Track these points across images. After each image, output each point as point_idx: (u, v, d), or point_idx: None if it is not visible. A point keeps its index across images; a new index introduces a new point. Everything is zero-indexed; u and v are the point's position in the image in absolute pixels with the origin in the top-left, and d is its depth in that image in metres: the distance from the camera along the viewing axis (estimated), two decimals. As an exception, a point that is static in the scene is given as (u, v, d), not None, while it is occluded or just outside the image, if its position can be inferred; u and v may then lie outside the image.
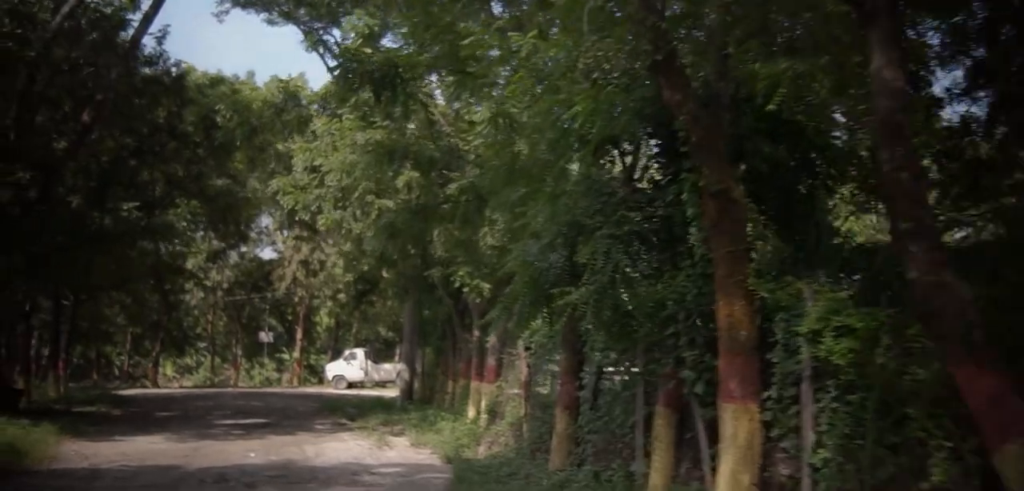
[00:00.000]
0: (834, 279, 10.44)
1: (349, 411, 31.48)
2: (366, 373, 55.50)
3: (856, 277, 10.91)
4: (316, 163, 20.16)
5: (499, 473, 16.77)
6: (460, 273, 20.71)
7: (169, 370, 76.55)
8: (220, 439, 22.74)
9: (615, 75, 11.28)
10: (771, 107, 9.13)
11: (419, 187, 19.01)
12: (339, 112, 20.25)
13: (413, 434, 23.64)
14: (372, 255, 26.38)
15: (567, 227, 11.89)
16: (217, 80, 32.58)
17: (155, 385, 59.03)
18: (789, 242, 11.93)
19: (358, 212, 21.24)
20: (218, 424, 27.10)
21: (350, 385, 54.77)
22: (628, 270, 10.95)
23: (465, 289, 21.56)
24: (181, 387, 60.62)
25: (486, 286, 20.92)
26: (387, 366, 57.88)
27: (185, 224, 26.22)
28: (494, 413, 21.21)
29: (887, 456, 8.66)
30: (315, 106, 21.67)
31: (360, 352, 56.65)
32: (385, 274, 33.18)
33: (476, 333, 24.49)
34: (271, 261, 62.80)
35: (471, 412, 24.07)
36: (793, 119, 11.22)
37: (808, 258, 11.09)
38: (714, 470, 10.43)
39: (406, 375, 32.92)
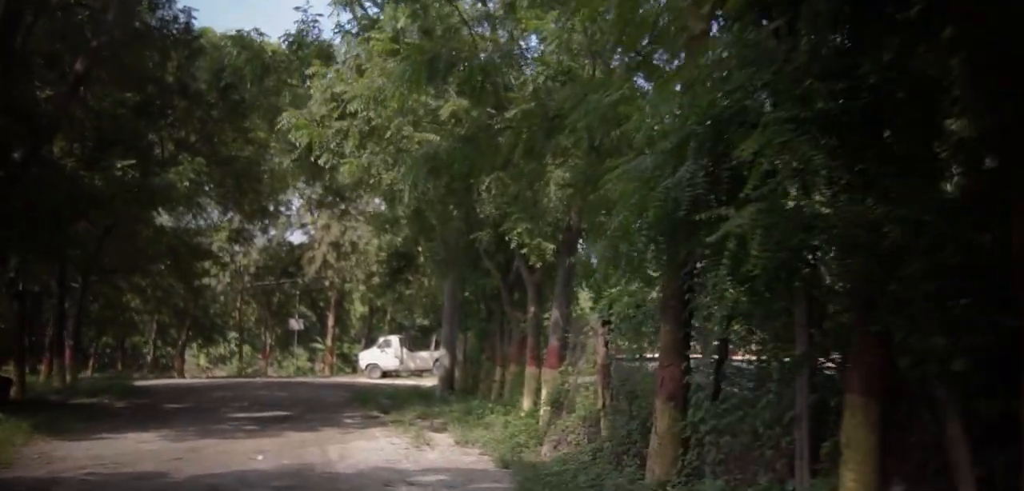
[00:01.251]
0: None
1: (382, 402, 27.45)
2: (401, 361, 51.65)
3: None
4: (337, 90, 15.98)
5: (576, 483, 12.58)
6: (517, 231, 16.41)
7: (203, 360, 73.54)
8: (227, 437, 18.72)
9: None
10: None
11: (467, 116, 14.76)
12: (367, 34, 15.98)
13: (458, 430, 19.52)
14: (407, 215, 22.22)
15: (707, 122, 7.53)
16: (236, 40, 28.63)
17: (181, 375, 55.53)
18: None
19: (389, 158, 16.98)
20: (231, 418, 23.13)
21: (384, 374, 51.03)
22: (822, 174, 6.61)
23: (523, 250, 17.28)
24: (210, 377, 56.93)
25: (549, 246, 16.59)
26: (423, 354, 54.12)
27: (188, 184, 22.10)
28: (558, 404, 16.94)
29: None
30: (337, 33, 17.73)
31: (395, 339, 52.74)
32: (421, 248, 29.05)
33: (531, 309, 20.21)
34: (301, 245, 58.99)
35: (526, 403, 19.85)
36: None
37: None
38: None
39: (446, 362, 28.73)
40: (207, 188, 27.70)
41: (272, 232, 58.13)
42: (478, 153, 12.18)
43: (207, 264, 49.32)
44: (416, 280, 36.90)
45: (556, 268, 20.02)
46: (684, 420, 11.21)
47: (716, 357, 10.81)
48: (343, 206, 43.53)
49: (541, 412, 17.95)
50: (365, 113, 15.26)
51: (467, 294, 28.48)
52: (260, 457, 15.54)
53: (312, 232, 57.04)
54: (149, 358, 61.27)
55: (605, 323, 14.71)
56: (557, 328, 17.96)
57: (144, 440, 17.69)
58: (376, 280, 50.72)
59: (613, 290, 14.35)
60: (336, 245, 52.87)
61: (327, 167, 17.07)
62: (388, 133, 15.48)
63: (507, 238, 17.01)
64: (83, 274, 34.34)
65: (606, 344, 14.66)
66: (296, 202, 57.28)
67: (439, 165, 13.52)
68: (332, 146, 16.82)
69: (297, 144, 17.16)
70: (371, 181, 17.70)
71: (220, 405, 27.05)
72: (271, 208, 37.72)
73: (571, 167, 15.02)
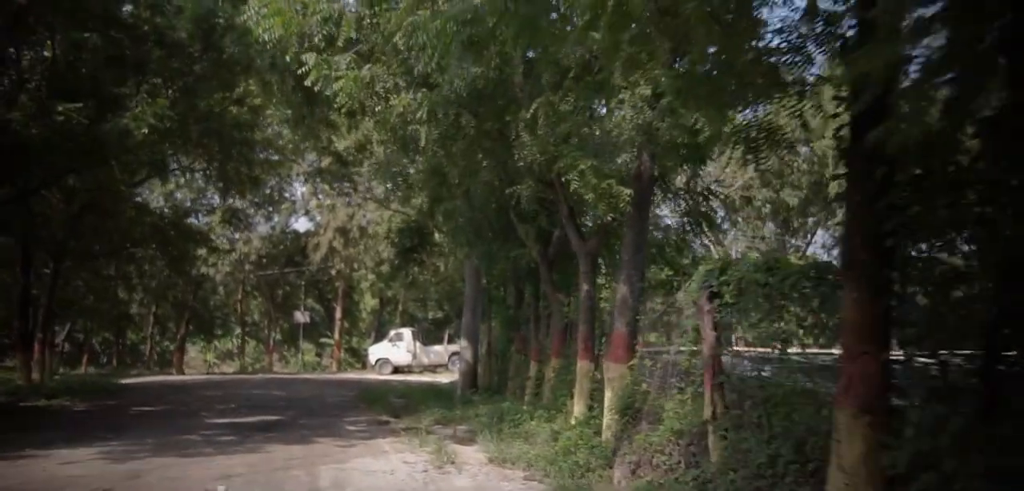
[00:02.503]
0: None
1: (393, 403, 22.91)
2: (414, 356, 47.30)
3: None
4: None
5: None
6: (577, 169, 11.65)
7: (210, 356, 69.13)
8: (189, 453, 14.10)
9: None
10: None
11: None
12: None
13: (490, 442, 14.95)
14: (424, 168, 17.47)
15: None
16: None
17: (181, 372, 51.06)
18: None
19: (400, 78, 12.31)
20: (208, 424, 18.58)
21: (395, 369, 46.76)
22: None
23: (586, 198, 12.55)
24: (211, 374, 52.46)
25: (624, 192, 11.80)
26: (437, 348, 49.75)
27: (147, 131, 17.42)
28: (633, 411, 12.23)
29: None
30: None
31: (407, 332, 48.31)
32: (437, 222, 24.40)
33: (584, 288, 15.43)
34: (306, 233, 54.36)
35: (578, 407, 15.14)
36: None
37: None
38: None
39: (469, 355, 24.10)
40: (179, 145, 22.87)
41: (275, 219, 53.59)
42: (534, 27, 7.47)
43: (203, 251, 44.82)
44: (429, 264, 32.17)
45: (616, 234, 15.38)
46: (895, 445, 6.55)
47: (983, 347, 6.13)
48: (347, 182, 38.77)
49: (605, 421, 13.24)
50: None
51: (495, 272, 23.78)
52: (221, 488, 10.90)
53: (317, 218, 52.40)
54: (147, 354, 56.81)
55: (713, 296, 10.02)
56: (625, 309, 13.22)
57: (74, 459, 13.06)
58: (385, 267, 46.13)
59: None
60: (343, 231, 48.21)
61: (317, 88, 12.30)
62: (397, 34, 10.71)
63: (564, 179, 12.30)
64: (54, 258, 29.76)
65: (715, 327, 9.96)
66: (300, 188, 52.79)
67: (480, 37, 8.83)
68: (319, 43, 12.10)
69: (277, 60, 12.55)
70: (376, 103, 12.88)
71: (202, 407, 22.46)
72: (266, 181, 32.74)
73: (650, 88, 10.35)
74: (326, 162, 32.71)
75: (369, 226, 45.83)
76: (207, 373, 54.02)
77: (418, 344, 47.90)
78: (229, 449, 14.62)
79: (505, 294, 25.70)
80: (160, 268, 40.52)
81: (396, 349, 47.37)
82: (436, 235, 26.04)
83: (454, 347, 49.83)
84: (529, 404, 19.08)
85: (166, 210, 36.49)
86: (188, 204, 40.02)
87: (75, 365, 54.55)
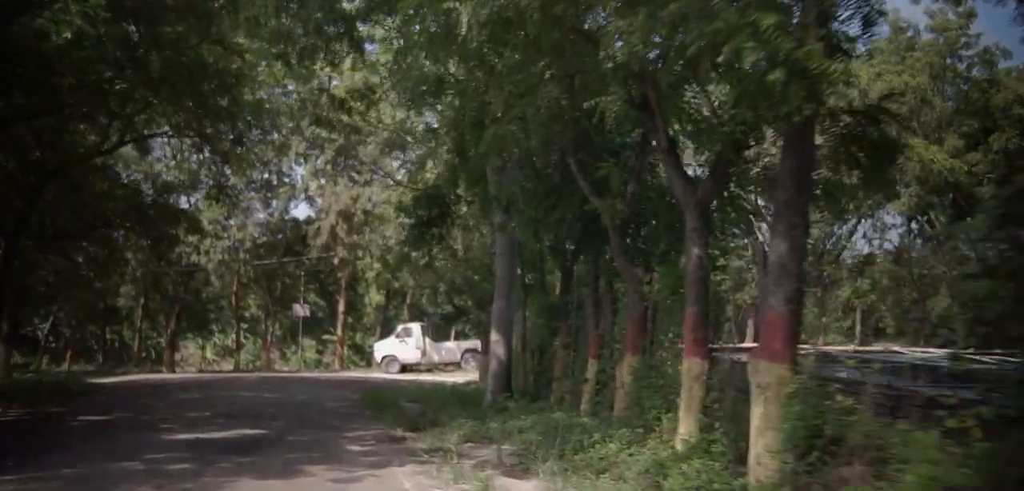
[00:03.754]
0: None
1: (407, 411, 18.10)
2: (424, 353, 42.62)
3: None
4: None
5: None
6: (744, 43, 6.73)
7: (209, 353, 64.27)
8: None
9: None
10: None
11: None
12: None
13: (554, 475, 10.11)
14: (458, 89, 12.61)
15: None
16: None
17: (171, 370, 46.19)
18: None
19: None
20: (165, 443, 13.76)
21: (403, 368, 42.10)
22: None
23: (773, 80, 7.57)
24: (202, 372, 47.61)
25: (836, 67, 6.81)
26: (449, 345, 44.99)
27: (70, 36, 12.60)
28: (823, 441, 7.31)
29: None
30: None
31: (416, 327, 43.54)
32: (460, 190, 19.57)
33: (694, 253, 10.41)
34: (307, 220, 49.43)
35: (685, 425, 10.24)
36: None
37: None
38: None
39: (501, 350, 19.04)
40: (133, 78, 17.88)
41: (274, 204, 48.66)
42: None
43: (191, 237, 39.89)
44: (449, 242, 27.07)
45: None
46: None
47: None
48: (350, 157, 34.01)
49: (754, 452, 8.32)
50: None
51: (537, 246, 18.90)
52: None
53: (318, 203, 47.41)
54: (135, 350, 51.90)
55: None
56: (784, 278, 8.27)
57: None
58: (393, 255, 41.24)
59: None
60: (346, 215, 43.26)
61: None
62: None
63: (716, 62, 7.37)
64: (7, 237, 24.87)
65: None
66: (299, 170, 47.84)
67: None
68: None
69: None
70: None
71: (168, 417, 17.58)
72: (255, 148, 27.61)
73: None
74: (323, 100, 27.55)
75: (376, 207, 40.83)
76: (200, 371, 49.10)
77: (428, 340, 43.17)
78: (176, 486, 9.76)
79: (542, 276, 20.80)
80: (141, 253, 35.54)
81: (404, 346, 42.63)
82: (460, 206, 21.03)
83: (468, 344, 45.06)
84: (591, 415, 14.22)
85: (147, 187, 31.50)
86: (173, 180, 34.95)
87: (60, 361, 50.02)
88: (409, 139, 31.92)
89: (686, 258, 10.91)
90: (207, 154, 25.98)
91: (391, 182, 39.49)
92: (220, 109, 21.11)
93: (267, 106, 26.32)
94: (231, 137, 22.19)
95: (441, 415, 17.81)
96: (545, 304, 20.05)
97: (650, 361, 12.65)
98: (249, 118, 22.92)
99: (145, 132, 26.91)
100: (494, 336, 19.02)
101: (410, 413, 18.83)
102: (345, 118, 28.98)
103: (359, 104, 27.06)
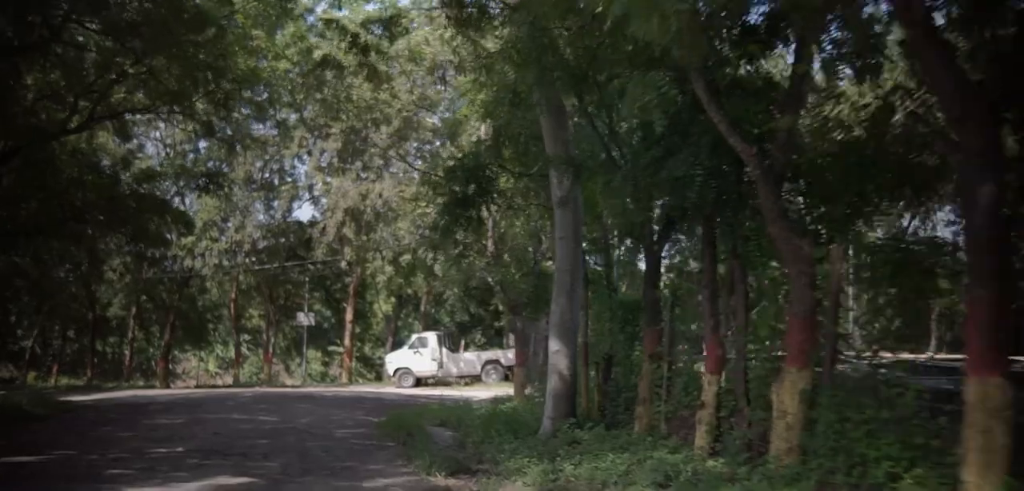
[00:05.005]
0: None
1: (441, 443, 13.64)
2: (440, 365, 38.18)
3: None
4: None
5: None
6: None
7: (212, 365, 59.73)
8: None
9: None
10: None
11: None
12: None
13: None
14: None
15: None
16: None
17: (165, 385, 41.58)
18: None
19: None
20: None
21: (418, 382, 37.66)
22: None
23: None
24: (197, 388, 43.10)
25: None
26: (468, 355, 40.44)
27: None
28: None
29: None
30: None
31: (431, 337, 38.99)
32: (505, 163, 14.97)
33: (985, 193, 5.91)
34: (311, 222, 44.82)
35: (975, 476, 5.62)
36: None
37: None
38: None
39: (564, 363, 14.20)
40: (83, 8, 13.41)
41: (275, 204, 44.07)
42: None
43: (184, 239, 35.33)
44: (476, 243, 22.41)
45: None
46: None
47: None
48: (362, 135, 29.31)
49: None
50: None
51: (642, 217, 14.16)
52: None
53: (324, 203, 42.78)
54: (126, 363, 47.25)
55: None
56: None
57: None
58: (405, 256, 36.66)
59: None
60: (354, 213, 38.65)
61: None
62: None
63: None
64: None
65: None
66: (302, 169, 43.30)
67: None
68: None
69: None
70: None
71: (124, 456, 12.94)
72: (232, 98, 22.70)
73: None
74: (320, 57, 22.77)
75: (389, 203, 36.14)
76: (197, 386, 44.45)
77: (445, 351, 38.58)
78: None
79: (608, 267, 16.15)
80: (124, 254, 30.91)
81: (419, 357, 38.09)
82: (503, 181, 16.36)
83: (489, 354, 40.50)
84: (717, 455, 9.63)
85: (126, 176, 26.81)
86: (155, 167, 30.28)
87: (47, 376, 45.58)
88: (443, 90, 26.94)
89: (969, 207, 6.24)
90: (191, 129, 21.37)
91: (407, 172, 34.70)
92: (202, 65, 16.57)
93: (264, 75, 21.76)
94: (219, 100, 17.55)
95: (486, 448, 13.29)
96: (617, 303, 15.39)
97: (848, 379, 8.01)
98: (237, 81, 18.35)
99: (121, 110, 22.44)
100: (554, 345, 14.31)
101: (445, 443, 14.30)
102: (355, 84, 24.33)
103: (381, 38, 22.19)
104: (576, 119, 13.93)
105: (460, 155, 16.09)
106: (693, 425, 11.39)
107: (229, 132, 19.92)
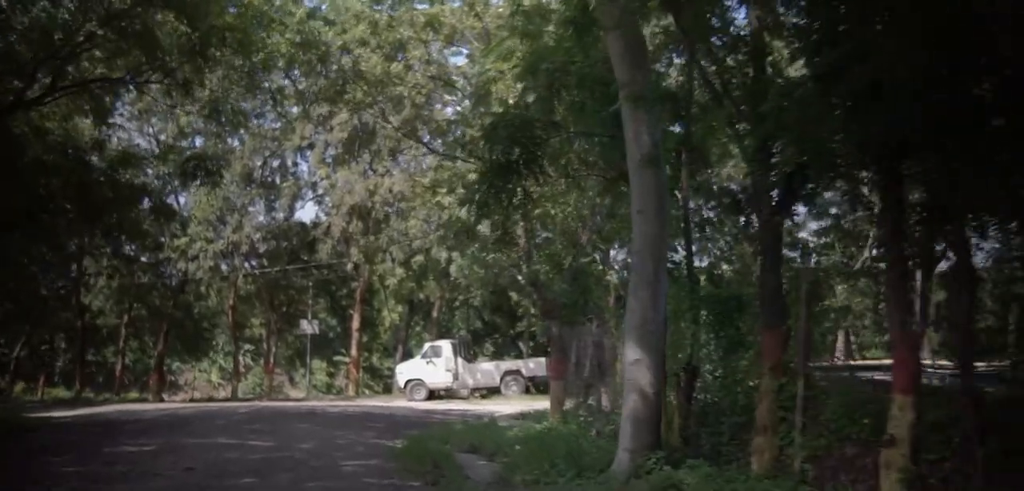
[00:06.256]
0: None
1: (479, 479, 10.19)
2: (456, 376, 34.62)
3: None
4: None
5: None
6: None
7: (215, 376, 55.92)
8: None
9: None
10: None
11: None
12: None
13: None
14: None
15: None
16: None
17: (157, 398, 37.88)
18: None
19: None
20: None
21: (431, 394, 33.98)
22: None
23: None
24: (190, 402, 39.47)
25: None
26: (486, 366, 36.78)
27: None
28: None
29: None
30: None
31: (446, 346, 35.41)
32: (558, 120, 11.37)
33: None
34: (314, 224, 41.16)
35: None
36: None
37: None
38: None
39: (647, 378, 10.46)
40: None
41: (277, 203, 40.38)
42: None
43: (177, 240, 31.66)
44: (505, 234, 18.76)
45: None
46: None
47: None
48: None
49: None
50: None
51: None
52: None
53: (328, 202, 39.13)
54: (117, 373, 43.46)
55: None
56: None
57: None
58: (420, 256, 33.01)
59: None
60: (361, 211, 35.02)
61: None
62: None
63: None
64: None
65: None
66: (304, 165, 39.67)
67: None
68: None
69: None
70: None
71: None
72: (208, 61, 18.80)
73: None
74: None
75: (404, 193, 32.47)
76: (190, 401, 40.70)
77: (460, 361, 34.95)
78: None
79: (689, 250, 12.44)
80: (96, 248, 27.13)
81: (432, 368, 34.50)
82: (555, 143, 12.59)
83: (509, 364, 36.81)
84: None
85: (97, 160, 23.00)
86: (133, 149, 26.55)
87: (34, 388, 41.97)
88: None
89: None
90: (168, 95, 17.74)
91: (424, 154, 31.00)
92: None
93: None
94: (194, 48, 13.94)
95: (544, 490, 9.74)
96: (705, 297, 11.70)
97: None
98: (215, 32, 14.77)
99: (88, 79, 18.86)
100: (633, 353, 10.58)
101: (488, 484, 10.70)
102: (363, 55, 20.72)
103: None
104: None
105: (500, 110, 12.38)
106: (860, 469, 7.74)
107: (207, 95, 16.44)
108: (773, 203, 9.71)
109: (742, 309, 11.47)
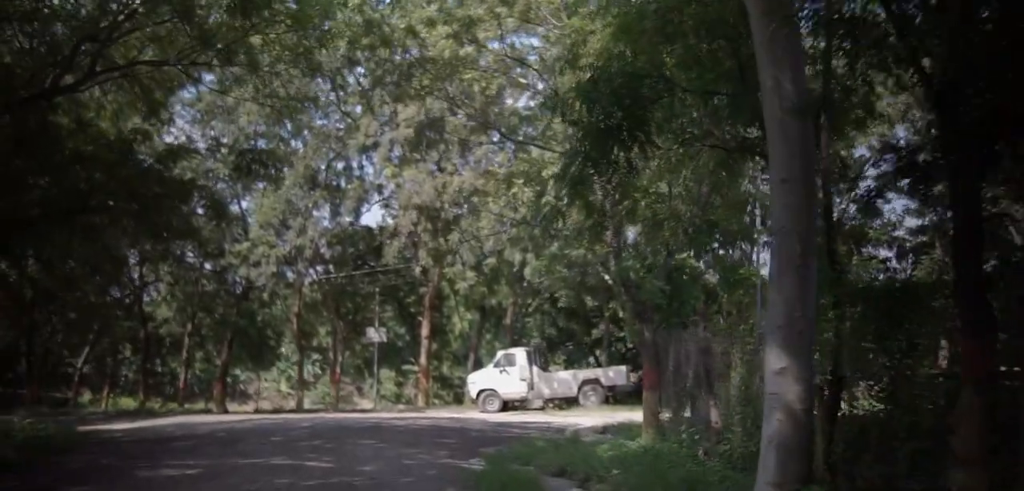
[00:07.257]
0: None
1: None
2: (531, 386, 32.46)
3: None
4: None
5: None
6: None
7: (284, 386, 55.05)
8: None
9: None
10: None
11: None
12: None
13: None
14: None
15: None
16: None
17: (222, 409, 36.73)
18: None
19: None
20: None
21: (505, 405, 32.04)
22: None
23: None
24: (253, 414, 38.18)
25: None
26: (562, 375, 34.61)
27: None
28: None
29: None
30: None
31: (520, 353, 33.27)
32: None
33: None
34: (380, 229, 39.51)
35: None
36: None
37: None
38: None
39: (794, 392, 8.06)
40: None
41: (342, 208, 38.78)
42: None
43: (237, 245, 30.24)
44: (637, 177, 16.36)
45: None
46: None
47: None
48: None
49: None
50: None
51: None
52: None
53: (395, 206, 37.37)
54: (181, 385, 42.55)
55: None
56: None
57: None
58: (492, 259, 31.00)
59: None
60: (429, 214, 33.15)
61: None
62: None
63: None
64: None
65: None
66: (369, 167, 37.98)
67: None
68: None
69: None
70: None
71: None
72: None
73: None
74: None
75: (476, 187, 30.54)
76: (254, 412, 39.38)
77: (536, 369, 32.77)
78: None
79: (829, 232, 9.99)
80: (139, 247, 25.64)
81: (506, 377, 32.38)
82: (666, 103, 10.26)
83: (587, 373, 34.50)
84: None
85: (143, 153, 21.39)
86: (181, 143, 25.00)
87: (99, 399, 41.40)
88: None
89: None
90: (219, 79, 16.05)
91: (501, 144, 29.07)
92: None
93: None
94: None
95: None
96: (864, 291, 9.25)
97: None
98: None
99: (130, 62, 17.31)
100: (776, 361, 8.16)
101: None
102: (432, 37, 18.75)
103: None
104: None
105: (599, 65, 10.16)
106: None
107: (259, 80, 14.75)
108: (970, 163, 7.18)
109: (905, 306, 8.99)
